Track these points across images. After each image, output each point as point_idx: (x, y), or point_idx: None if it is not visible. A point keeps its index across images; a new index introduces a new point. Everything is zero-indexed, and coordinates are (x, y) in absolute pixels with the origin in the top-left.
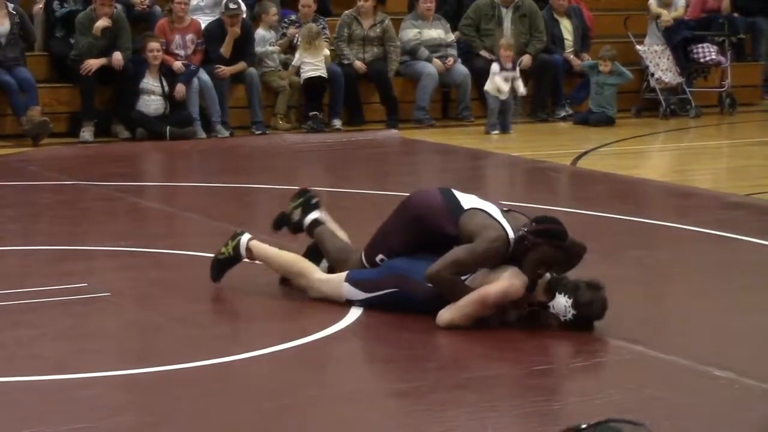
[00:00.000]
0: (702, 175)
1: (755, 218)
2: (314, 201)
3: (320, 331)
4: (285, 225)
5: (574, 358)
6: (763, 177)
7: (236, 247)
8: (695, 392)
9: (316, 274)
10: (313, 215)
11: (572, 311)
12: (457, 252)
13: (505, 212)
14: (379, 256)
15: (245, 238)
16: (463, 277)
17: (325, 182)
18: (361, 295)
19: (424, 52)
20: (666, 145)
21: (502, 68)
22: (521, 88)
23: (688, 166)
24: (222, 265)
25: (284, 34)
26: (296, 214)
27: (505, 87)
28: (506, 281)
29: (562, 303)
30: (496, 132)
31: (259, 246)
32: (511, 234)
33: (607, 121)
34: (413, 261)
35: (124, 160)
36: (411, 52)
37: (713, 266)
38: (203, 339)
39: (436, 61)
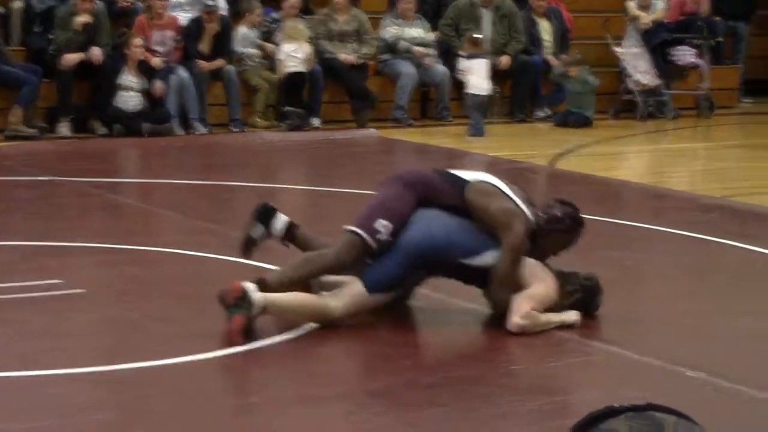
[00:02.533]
0: (679, 177)
1: (731, 220)
2: (270, 206)
3: (294, 330)
4: (252, 245)
5: (549, 358)
6: (739, 179)
7: (251, 305)
8: (668, 393)
9: (331, 302)
10: (282, 219)
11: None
12: (505, 269)
13: (507, 184)
14: (381, 221)
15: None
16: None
17: (303, 181)
18: (390, 294)
19: (404, 44)
20: (643, 147)
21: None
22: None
23: (665, 167)
24: (247, 329)
25: (268, 32)
26: (258, 228)
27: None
28: (543, 282)
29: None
30: (479, 136)
31: (272, 297)
32: (530, 216)
33: (585, 122)
34: (426, 230)
35: (101, 156)
36: (391, 48)
37: (688, 268)
38: (177, 336)
39: (417, 49)
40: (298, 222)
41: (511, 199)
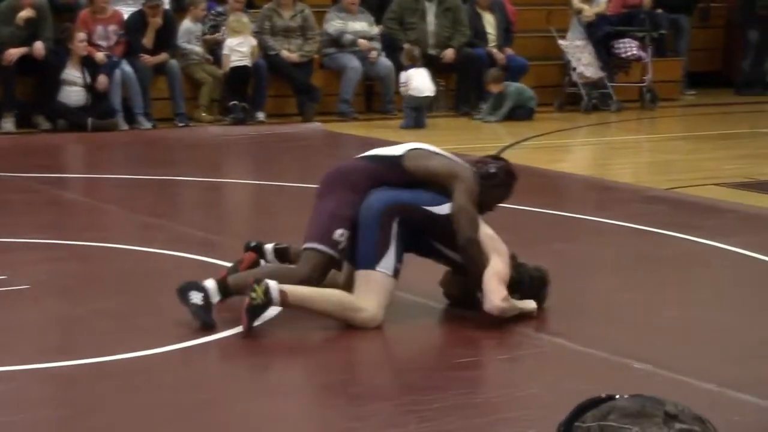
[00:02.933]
0: (623, 169)
1: (675, 212)
2: (256, 244)
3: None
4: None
5: (495, 351)
6: (683, 171)
7: (266, 292)
8: (614, 385)
9: (357, 301)
10: (268, 248)
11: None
12: (463, 207)
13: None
14: (338, 231)
15: (273, 282)
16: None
17: (248, 175)
18: (391, 264)
19: (348, 37)
20: (588, 139)
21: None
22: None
23: (610, 160)
24: (256, 313)
25: (214, 27)
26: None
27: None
28: (502, 256)
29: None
30: (411, 127)
31: (293, 290)
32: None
33: (529, 116)
34: (387, 192)
35: (45, 152)
36: (335, 42)
37: (633, 259)
38: (125, 332)
39: (362, 41)
40: (285, 243)
41: (446, 156)
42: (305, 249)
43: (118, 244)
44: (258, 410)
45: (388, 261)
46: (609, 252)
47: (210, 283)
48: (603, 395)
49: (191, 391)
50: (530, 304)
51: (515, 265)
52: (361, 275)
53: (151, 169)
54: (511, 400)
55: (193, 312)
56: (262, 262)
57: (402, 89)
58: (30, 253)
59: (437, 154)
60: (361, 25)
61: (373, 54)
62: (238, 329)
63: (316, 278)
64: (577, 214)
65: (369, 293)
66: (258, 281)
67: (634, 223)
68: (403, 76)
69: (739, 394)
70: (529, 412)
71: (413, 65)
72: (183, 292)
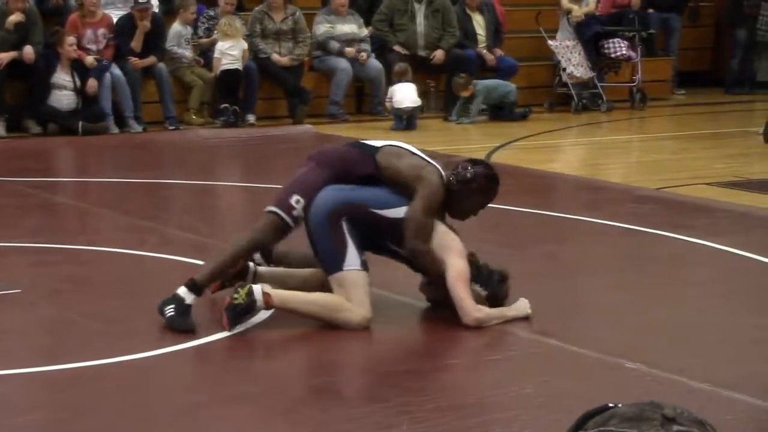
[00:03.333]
0: (613, 169)
1: (665, 212)
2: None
3: (237, 327)
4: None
5: (488, 351)
6: (673, 171)
7: (249, 293)
8: (607, 385)
9: (344, 302)
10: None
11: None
12: (416, 215)
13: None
14: (294, 197)
15: (257, 286)
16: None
17: (239, 177)
18: (356, 259)
19: (335, 45)
20: (578, 140)
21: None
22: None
23: (600, 160)
24: (237, 313)
25: (208, 29)
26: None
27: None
28: (457, 253)
29: (476, 292)
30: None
31: (278, 292)
32: (442, 172)
33: (511, 110)
34: (335, 190)
35: (36, 156)
36: (322, 46)
37: (624, 259)
38: (117, 335)
39: (349, 50)
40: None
41: (420, 157)
42: (263, 212)
43: (110, 247)
44: (251, 412)
45: (351, 257)
46: (600, 252)
47: (180, 290)
48: (610, 404)
49: (184, 394)
50: (521, 308)
51: (472, 261)
52: (334, 280)
53: (141, 173)
54: (505, 400)
55: (169, 324)
56: (251, 265)
57: (387, 103)
58: (21, 257)
59: (412, 154)
60: (350, 27)
61: (363, 56)
62: (228, 333)
63: (261, 240)
64: (567, 214)
65: (348, 295)
66: (242, 285)
67: (625, 223)
68: (390, 90)
69: (732, 393)
70: (522, 412)
71: (401, 80)
72: (160, 311)
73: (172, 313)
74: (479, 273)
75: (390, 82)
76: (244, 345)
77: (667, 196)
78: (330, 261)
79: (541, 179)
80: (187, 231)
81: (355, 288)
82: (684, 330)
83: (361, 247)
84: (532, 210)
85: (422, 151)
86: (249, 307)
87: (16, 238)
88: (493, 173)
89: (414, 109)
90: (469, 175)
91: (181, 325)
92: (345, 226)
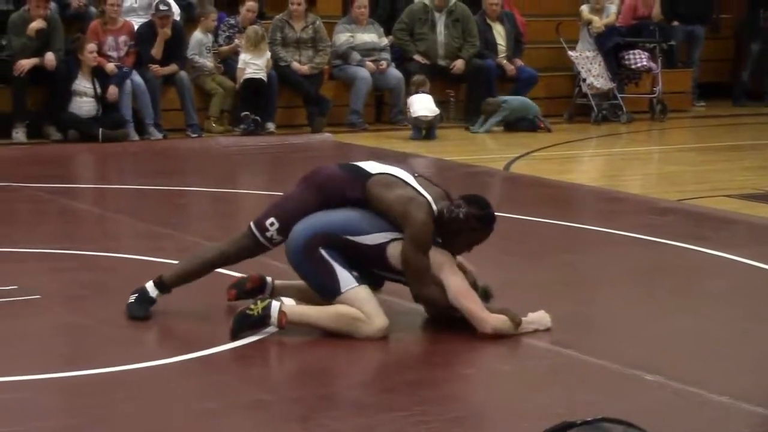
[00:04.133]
0: (632, 181)
1: (684, 223)
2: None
3: (251, 335)
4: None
5: (505, 361)
6: (692, 183)
7: (266, 308)
8: (626, 396)
9: (359, 313)
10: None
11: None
12: (409, 261)
13: (416, 177)
14: (269, 219)
15: (277, 302)
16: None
17: (257, 185)
18: (349, 277)
19: (356, 56)
20: (597, 151)
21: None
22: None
23: (619, 171)
24: (245, 324)
25: (229, 37)
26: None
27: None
28: (448, 268)
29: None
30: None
31: (294, 308)
32: (434, 206)
33: (532, 128)
34: (309, 219)
35: (56, 162)
36: (342, 56)
37: (643, 271)
38: (133, 342)
39: (369, 63)
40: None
41: (411, 187)
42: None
43: (128, 254)
44: (264, 420)
45: (344, 278)
46: (618, 263)
47: (148, 283)
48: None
49: (198, 401)
50: (542, 322)
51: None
52: (340, 302)
53: (160, 180)
54: (521, 411)
55: (126, 309)
56: (269, 279)
57: (408, 114)
58: (40, 263)
59: (405, 184)
60: (370, 37)
61: (383, 64)
62: (244, 341)
63: (228, 252)
64: (586, 225)
65: (359, 310)
66: (262, 298)
67: (644, 235)
68: (408, 101)
69: (750, 406)
70: (539, 423)
71: (418, 91)
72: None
73: (132, 300)
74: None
75: (408, 93)
76: (257, 353)
77: (687, 207)
78: (325, 290)
79: (560, 190)
80: (205, 238)
81: (362, 303)
82: (703, 342)
83: (350, 266)
84: (550, 220)
85: (441, 161)
86: (260, 322)
87: (35, 243)
88: (486, 213)
89: (433, 119)
90: (461, 215)
91: (135, 312)
92: (325, 254)
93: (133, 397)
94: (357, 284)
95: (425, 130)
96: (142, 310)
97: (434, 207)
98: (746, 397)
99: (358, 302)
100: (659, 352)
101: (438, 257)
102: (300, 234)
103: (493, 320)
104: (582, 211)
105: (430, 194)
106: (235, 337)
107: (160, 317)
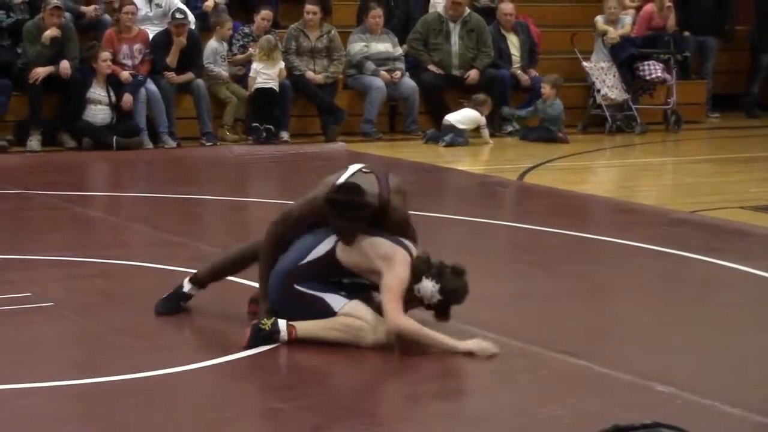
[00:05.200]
0: (647, 192)
1: (698, 235)
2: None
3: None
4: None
5: (516, 371)
6: (707, 194)
7: (274, 324)
8: (638, 407)
9: (364, 323)
10: None
11: (438, 297)
12: (391, 325)
13: (363, 173)
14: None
15: (283, 320)
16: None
17: (271, 194)
18: (339, 299)
19: (370, 65)
20: (611, 161)
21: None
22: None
23: (633, 182)
24: (259, 337)
25: (243, 46)
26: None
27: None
28: (396, 265)
29: (428, 288)
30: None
31: (302, 325)
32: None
33: (550, 139)
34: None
35: (70, 170)
36: (357, 66)
37: (655, 281)
38: (147, 350)
39: (383, 73)
40: None
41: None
42: None
43: (141, 262)
44: (278, 429)
45: (335, 300)
46: (632, 274)
47: (185, 280)
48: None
49: (212, 410)
50: (469, 344)
51: (420, 257)
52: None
53: (174, 188)
54: (534, 421)
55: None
56: None
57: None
58: (54, 270)
59: (335, 175)
60: (384, 46)
61: (397, 74)
62: (258, 350)
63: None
64: (600, 235)
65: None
66: (269, 316)
67: (658, 246)
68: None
69: (764, 419)
70: None
71: (469, 106)
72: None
73: (164, 296)
74: (429, 267)
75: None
76: (273, 362)
77: (701, 219)
78: (321, 317)
79: (574, 200)
80: (219, 247)
81: (360, 315)
82: (715, 353)
83: (335, 288)
84: (564, 231)
85: (454, 171)
86: (270, 337)
87: (49, 251)
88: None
89: (464, 131)
90: (330, 195)
91: (160, 307)
92: (302, 288)
93: (147, 405)
94: (348, 300)
95: (449, 138)
96: (167, 306)
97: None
98: (759, 409)
99: (357, 314)
100: (671, 363)
101: (391, 252)
102: (273, 286)
103: (400, 321)
104: (596, 221)
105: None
106: (249, 347)
107: (174, 326)
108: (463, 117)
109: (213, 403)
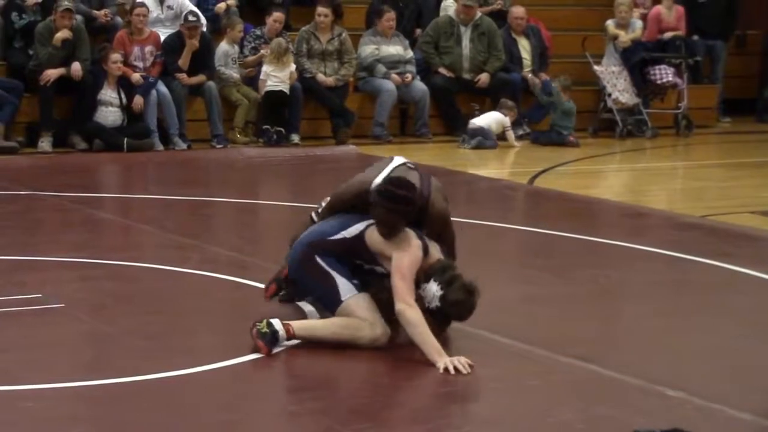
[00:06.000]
0: (657, 196)
1: (709, 239)
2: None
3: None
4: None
5: (526, 375)
6: (718, 199)
7: (269, 325)
8: (648, 412)
9: (361, 322)
10: None
11: (437, 303)
12: (400, 313)
13: (408, 168)
14: (323, 201)
15: (276, 319)
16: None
17: (282, 196)
18: (349, 285)
19: (381, 68)
20: (622, 166)
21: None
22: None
23: (644, 186)
24: (270, 340)
25: (255, 48)
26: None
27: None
28: (407, 251)
29: (432, 291)
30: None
31: (298, 321)
32: (377, 181)
33: (560, 142)
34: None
35: (81, 171)
36: (368, 69)
37: (666, 286)
38: (156, 351)
39: (394, 76)
40: None
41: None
42: None
43: (152, 263)
44: (289, 431)
45: (344, 287)
46: (642, 278)
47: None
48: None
49: (222, 412)
50: (437, 358)
51: (443, 265)
52: (339, 313)
53: (185, 190)
54: (544, 426)
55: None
56: None
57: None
58: (65, 271)
59: (375, 167)
60: (395, 49)
61: (408, 77)
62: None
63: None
64: (610, 240)
65: (357, 316)
66: (260, 320)
67: (668, 250)
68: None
69: None
70: None
71: (498, 110)
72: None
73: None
74: (442, 273)
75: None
76: (283, 365)
77: (711, 223)
78: (327, 300)
79: (584, 204)
80: (230, 249)
81: (363, 310)
82: (726, 358)
83: (349, 274)
84: (574, 235)
85: (464, 174)
86: (274, 337)
87: (60, 252)
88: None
89: (487, 131)
90: (382, 187)
91: (284, 296)
92: (321, 261)
93: (158, 407)
94: (357, 292)
95: (475, 140)
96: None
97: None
98: None
99: (360, 309)
100: (682, 368)
101: (409, 240)
102: (295, 251)
103: (405, 306)
104: (606, 226)
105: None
106: (271, 351)
107: (184, 328)
108: (490, 119)
109: (223, 405)
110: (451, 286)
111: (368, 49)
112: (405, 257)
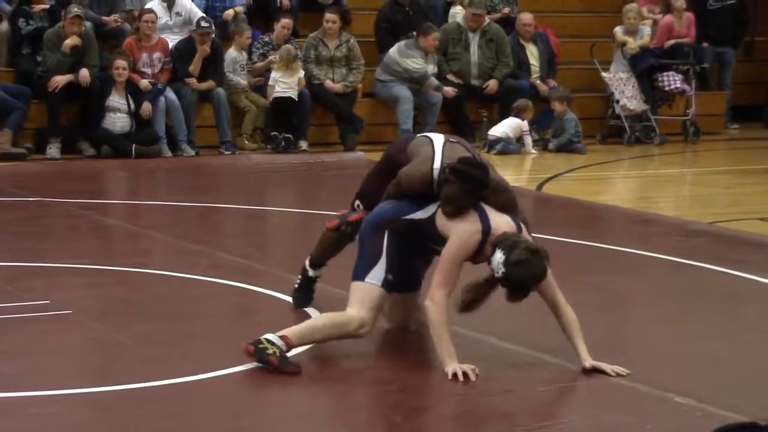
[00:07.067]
0: (665, 203)
1: (717, 246)
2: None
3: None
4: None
5: (536, 381)
6: (726, 205)
7: (272, 343)
8: (657, 419)
9: (348, 316)
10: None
11: (503, 269)
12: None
13: (451, 143)
14: (356, 202)
15: (272, 334)
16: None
17: (290, 203)
18: (381, 275)
19: (434, 81)
20: (630, 172)
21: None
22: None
23: (652, 193)
24: (280, 357)
25: (263, 55)
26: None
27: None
28: (457, 232)
29: (497, 258)
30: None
31: (293, 331)
32: (437, 164)
33: (569, 149)
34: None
35: (89, 178)
36: (417, 81)
37: (674, 293)
38: (165, 358)
39: (447, 89)
40: None
41: (433, 152)
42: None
43: (160, 270)
44: None
45: (377, 272)
46: (650, 285)
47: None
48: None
49: (230, 418)
50: (448, 362)
51: (510, 234)
52: (352, 287)
53: (193, 196)
54: None
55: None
56: None
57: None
58: (72, 278)
59: (429, 143)
60: (432, 66)
61: (449, 90)
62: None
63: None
64: (618, 246)
65: (354, 302)
66: (259, 341)
67: (676, 257)
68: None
69: None
70: None
71: (517, 116)
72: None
73: (296, 285)
74: (507, 239)
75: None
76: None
77: (719, 230)
78: (357, 269)
79: (592, 211)
80: (238, 255)
81: (363, 298)
82: (734, 365)
83: (409, 257)
84: (582, 242)
85: None
86: (283, 355)
87: (68, 258)
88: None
89: (506, 141)
90: (458, 166)
91: (297, 300)
92: (386, 240)
93: (165, 413)
94: (379, 285)
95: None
96: (303, 297)
97: (437, 166)
98: None
99: (363, 295)
100: (690, 375)
101: (460, 222)
102: (372, 217)
103: (432, 307)
104: (614, 232)
105: (446, 155)
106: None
107: (192, 334)
108: (506, 126)
109: (232, 412)
110: (515, 249)
111: (414, 63)
112: (452, 246)
